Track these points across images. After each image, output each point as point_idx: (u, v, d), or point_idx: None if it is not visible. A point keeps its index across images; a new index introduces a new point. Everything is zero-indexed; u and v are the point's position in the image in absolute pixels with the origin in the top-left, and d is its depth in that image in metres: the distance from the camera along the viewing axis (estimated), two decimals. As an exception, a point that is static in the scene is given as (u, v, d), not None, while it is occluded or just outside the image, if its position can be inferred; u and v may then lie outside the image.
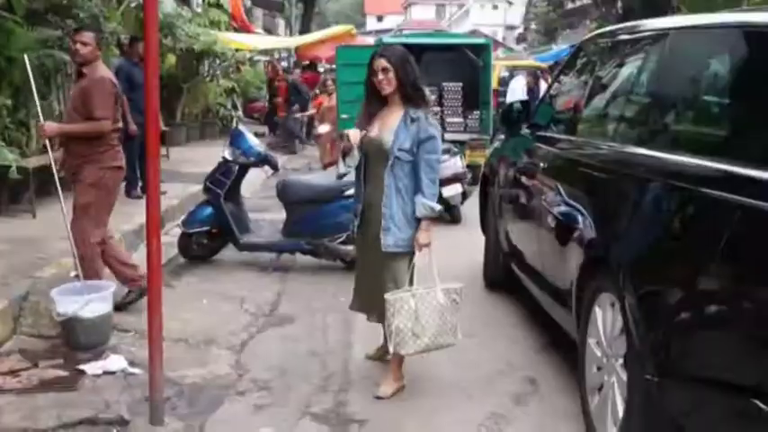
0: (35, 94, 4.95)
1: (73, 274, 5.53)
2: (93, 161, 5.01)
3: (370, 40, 19.06)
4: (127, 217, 7.52)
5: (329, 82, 12.71)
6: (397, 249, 4.13)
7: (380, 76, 4.04)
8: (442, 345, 4.15)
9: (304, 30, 28.78)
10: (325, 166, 11.83)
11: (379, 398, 4.16)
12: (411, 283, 4.16)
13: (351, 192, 6.47)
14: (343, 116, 10.97)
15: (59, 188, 4.88)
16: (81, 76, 5.17)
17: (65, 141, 5.11)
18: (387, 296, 4.02)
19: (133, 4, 11.14)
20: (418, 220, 4.09)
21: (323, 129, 11.65)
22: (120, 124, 5.32)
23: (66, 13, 8.57)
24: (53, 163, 4.97)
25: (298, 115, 16.05)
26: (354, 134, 4.11)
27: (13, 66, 7.26)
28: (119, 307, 5.09)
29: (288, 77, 16.79)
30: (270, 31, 31.88)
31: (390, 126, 4.09)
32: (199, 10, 16.95)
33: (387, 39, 12.11)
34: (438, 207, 4.05)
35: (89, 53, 5.07)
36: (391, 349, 4.09)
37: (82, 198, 5.03)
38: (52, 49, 8.29)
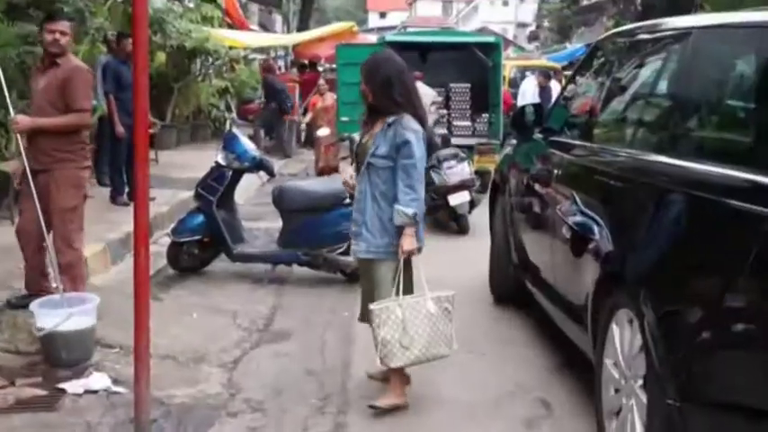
0: (5, 90, 4.87)
1: (54, 285, 5.53)
2: (69, 160, 5.01)
3: (373, 39, 19.05)
4: (112, 225, 7.53)
5: (321, 81, 12.74)
6: (368, 256, 4.28)
7: (362, 87, 4.31)
8: (435, 356, 4.22)
9: (302, 27, 28.81)
10: (319, 172, 11.75)
11: (373, 407, 4.19)
12: (398, 292, 4.19)
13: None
14: (344, 119, 11.00)
15: (35, 193, 4.86)
16: (50, 66, 5.09)
17: (33, 138, 5.03)
18: (372, 306, 4.13)
19: (120, -1, 11.17)
20: (400, 228, 4.17)
21: (322, 132, 11.65)
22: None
23: (48, 7, 8.56)
24: (26, 164, 4.94)
25: (296, 118, 16.04)
26: (349, 175, 4.56)
27: (-8, 63, 7.24)
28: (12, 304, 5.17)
29: (267, 76, 16.65)
30: (266, 27, 32.03)
31: (375, 133, 4.27)
32: (191, 5, 16.95)
33: (390, 37, 12.13)
34: (411, 212, 4.09)
35: (67, 43, 5.07)
36: (378, 362, 4.17)
37: (65, 201, 5.02)
38: (33, 45, 8.29)
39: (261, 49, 21.80)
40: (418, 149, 4.15)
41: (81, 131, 5.10)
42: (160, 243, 7.43)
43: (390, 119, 4.19)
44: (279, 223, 6.98)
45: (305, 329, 5.60)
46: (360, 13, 70.43)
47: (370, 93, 4.24)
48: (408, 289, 4.31)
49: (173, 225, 7.08)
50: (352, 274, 6.71)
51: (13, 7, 8.20)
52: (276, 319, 5.85)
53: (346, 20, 30.59)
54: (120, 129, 8.79)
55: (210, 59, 16.08)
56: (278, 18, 36.40)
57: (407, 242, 4.15)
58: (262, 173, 7.05)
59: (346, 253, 6.52)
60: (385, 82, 4.20)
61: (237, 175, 6.89)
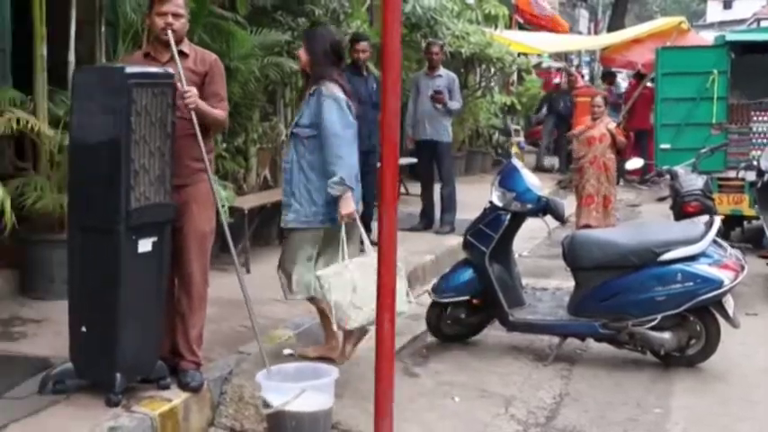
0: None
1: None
2: (205, 171, 5.07)
3: (709, 38, 18.37)
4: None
5: (598, 100, 11.29)
6: (297, 225, 5.65)
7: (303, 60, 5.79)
8: None
9: (615, 24, 28.51)
10: (580, 226, 10.91)
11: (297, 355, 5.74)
12: (343, 257, 5.38)
13: (670, 255, 6.29)
14: (663, 146, 10.70)
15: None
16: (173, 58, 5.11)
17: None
18: (319, 273, 5.37)
19: (382, -4, 11.68)
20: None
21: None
22: None
23: (298, 10, 9.16)
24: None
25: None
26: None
27: (233, 78, 7.83)
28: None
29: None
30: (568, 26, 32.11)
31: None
32: (470, 1, 17.38)
33: (732, 35, 11.60)
34: (337, 177, 5.38)
35: (184, 27, 5.14)
36: (335, 327, 5.45)
37: (206, 224, 5.16)
38: (279, 56, 8.88)
39: (558, 56, 21.87)
40: (338, 117, 5.48)
41: (211, 138, 5.34)
42: (420, 302, 7.57)
43: (313, 88, 5.58)
44: (570, 283, 6.88)
45: (599, 428, 5.46)
46: (694, 5, 68.49)
47: (310, 60, 5.68)
48: (354, 252, 5.50)
49: (435, 281, 7.19)
50: (668, 356, 6.46)
51: (258, 11, 8.82)
52: (562, 412, 5.75)
53: (675, 14, 29.83)
54: None
55: (493, 69, 16.33)
56: (583, 14, 36.43)
57: (344, 206, 5.43)
58: (548, 217, 6.97)
59: (661, 328, 6.32)
60: (326, 49, 5.64)
61: (517, 219, 6.87)
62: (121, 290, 4.62)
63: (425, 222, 10.57)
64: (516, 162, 7.15)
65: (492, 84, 16.90)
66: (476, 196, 10.68)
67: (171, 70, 4.89)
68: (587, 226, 9.97)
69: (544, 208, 6.81)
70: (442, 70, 10.86)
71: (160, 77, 4.81)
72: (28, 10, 6.63)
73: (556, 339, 6.77)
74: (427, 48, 11.15)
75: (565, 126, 17.58)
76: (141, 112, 4.60)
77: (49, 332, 5.74)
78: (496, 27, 16.56)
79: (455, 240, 9.56)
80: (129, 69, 4.69)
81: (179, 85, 4.84)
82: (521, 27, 22.02)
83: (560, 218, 7.05)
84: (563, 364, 6.60)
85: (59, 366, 4.87)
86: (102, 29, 7.09)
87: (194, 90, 4.93)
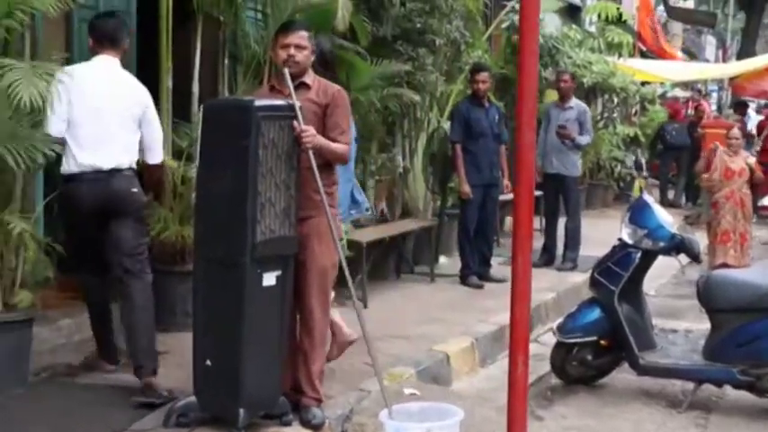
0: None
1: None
2: (328, 205, 5.09)
3: None
4: (482, 314, 7.77)
5: (735, 132, 10.70)
6: None
7: None
8: None
9: (745, 52, 27.89)
10: (715, 265, 10.48)
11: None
12: None
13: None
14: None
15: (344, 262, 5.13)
16: (297, 88, 5.17)
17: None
18: None
19: (504, 25, 11.68)
20: None
21: None
22: None
23: (419, 40, 9.22)
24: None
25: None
26: None
27: (353, 109, 7.88)
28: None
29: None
30: (692, 54, 31.63)
31: None
32: (592, 29, 17.23)
33: None
34: None
35: (307, 59, 5.21)
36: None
37: (327, 259, 5.19)
38: (399, 86, 8.94)
39: (685, 85, 21.52)
40: None
41: (334, 170, 5.35)
42: (542, 341, 7.50)
43: None
44: (705, 325, 6.73)
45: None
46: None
47: None
48: None
49: (559, 320, 7.10)
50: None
51: (378, 42, 8.90)
52: (698, 462, 5.61)
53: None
54: (466, 188, 9.15)
55: (616, 100, 16.15)
56: (710, 41, 35.80)
57: None
58: (681, 256, 6.83)
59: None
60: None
61: (648, 257, 6.75)
62: (246, 324, 4.68)
63: (546, 258, 10.42)
64: (648, 197, 7.04)
65: (614, 114, 16.69)
66: (598, 231, 10.62)
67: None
68: (725, 265, 9.66)
69: (677, 246, 6.68)
70: (573, 101, 10.68)
71: (287, 110, 4.87)
72: (152, 42, 6.81)
73: (689, 385, 6.59)
74: (557, 77, 11.05)
75: (685, 157, 17.34)
76: (268, 145, 4.68)
77: (171, 364, 5.82)
78: (620, 56, 16.38)
79: (578, 277, 9.47)
80: (258, 102, 4.80)
81: (295, 124, 4.87)
82: (643, 55, 21.75)
83: (695, 257, 6.88)
84: (698, 411, 6.42)
85: (183, 399, 4.96)
86: (225, 61, 7.29)
87: (312, 129, 4.95)
